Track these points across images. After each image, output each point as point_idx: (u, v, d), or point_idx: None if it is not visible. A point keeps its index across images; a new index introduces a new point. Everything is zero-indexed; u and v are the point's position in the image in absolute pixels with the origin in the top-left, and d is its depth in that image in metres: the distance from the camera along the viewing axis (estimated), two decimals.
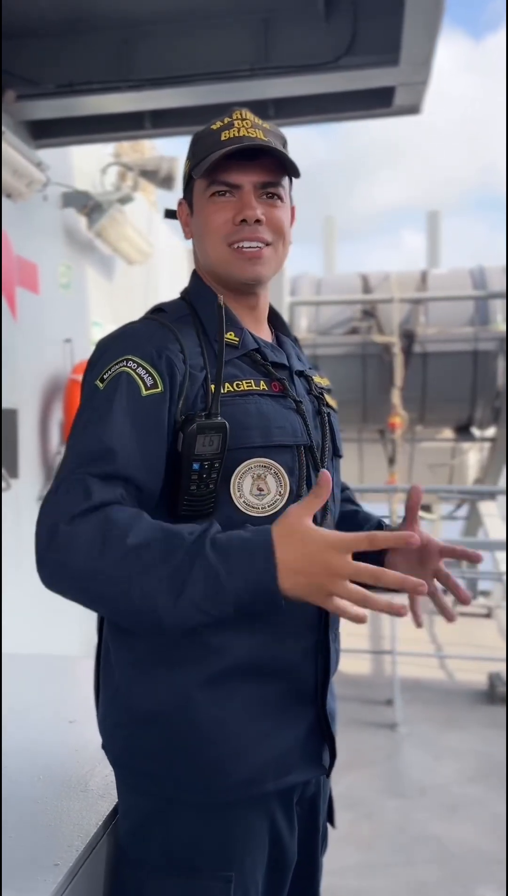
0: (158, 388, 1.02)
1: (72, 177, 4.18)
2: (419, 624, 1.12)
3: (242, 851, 1.04)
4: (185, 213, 1.19)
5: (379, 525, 1.30)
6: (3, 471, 3.34)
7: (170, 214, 1.26)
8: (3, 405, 3.35)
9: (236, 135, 1.11)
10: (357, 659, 5.38)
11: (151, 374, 1.03)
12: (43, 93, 3.24)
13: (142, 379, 1.02)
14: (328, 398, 1.23)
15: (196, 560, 0.90)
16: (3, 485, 3.32)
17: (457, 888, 2.73)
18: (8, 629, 2.97)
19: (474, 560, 1.13)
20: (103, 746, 1.14)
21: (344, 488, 1.38)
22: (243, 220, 1.10)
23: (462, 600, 1.11)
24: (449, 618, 1.12)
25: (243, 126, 1.13)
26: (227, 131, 1.12)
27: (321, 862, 1.25)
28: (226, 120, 1.14)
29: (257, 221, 1.10)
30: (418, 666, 5.32)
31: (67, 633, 3.56)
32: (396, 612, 0.87)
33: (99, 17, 3.13)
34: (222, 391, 1.05)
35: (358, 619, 0.88)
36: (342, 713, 4.39)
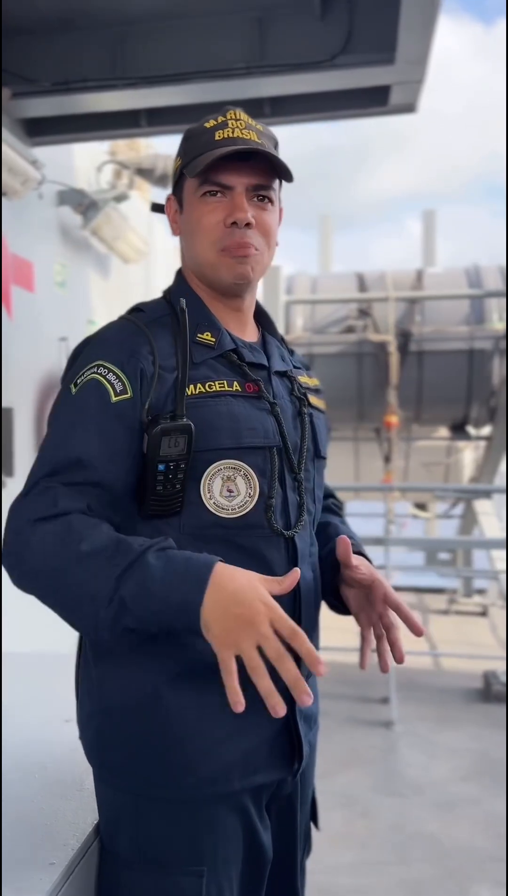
0: (127, 393, 1.04)
1: (67, 175, 4.17)
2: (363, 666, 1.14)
3: (213, 847, 1.05)
4: (173, 210, 1.19)
5: (328, 551, 1.27)
6: None
7: (157, 208, 1.26)
8: None
9: (231, 135, 1.11)
10: (353, 657, 5.39)
11: (120, 380, 1.04)
12: (38, 90, 3.23)
13: (112, 385, 1.04)
14: (313, 399, 1.23)
15: (136, 564, 0.94)
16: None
17: (453, 886, 2.74)
18: (4, 627, 2.96)
19: (415, 632, 1.11)
20: (80, 738, 1.15)
21: (328, 494, 1.38)
22: (234, 223, 1.10)
23: (414, 632, 1.11)
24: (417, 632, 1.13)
25: (238, 126, 1.13)
26: (221, 131, 1.12)
27: (304, 863, 1.24)
28: (220, 119, 1.14)
29: (248, 225, 1.10)
30: (413, 664, 5.33)
31: (62, 631, 3.53)
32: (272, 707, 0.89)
33: (94, 15, 3.12)
34: (193, 392, 1.06)
35: (233, 696, 0.90)
36: (338, 711, 4.36)
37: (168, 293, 1.21)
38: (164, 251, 5.94)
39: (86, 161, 4.45)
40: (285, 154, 1.17)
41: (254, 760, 1.08)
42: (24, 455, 3.64)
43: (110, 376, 1.04)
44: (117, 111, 3.47)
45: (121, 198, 4.29)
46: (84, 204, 4.10)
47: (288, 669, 0.89)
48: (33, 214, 3.79)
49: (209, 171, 1.09)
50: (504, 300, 6.64)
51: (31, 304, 3.72)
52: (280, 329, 1.34)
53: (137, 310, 1.17)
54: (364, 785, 3.55)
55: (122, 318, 1.15)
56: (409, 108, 3.35)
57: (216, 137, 1.11)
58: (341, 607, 1.24)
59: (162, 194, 4.92)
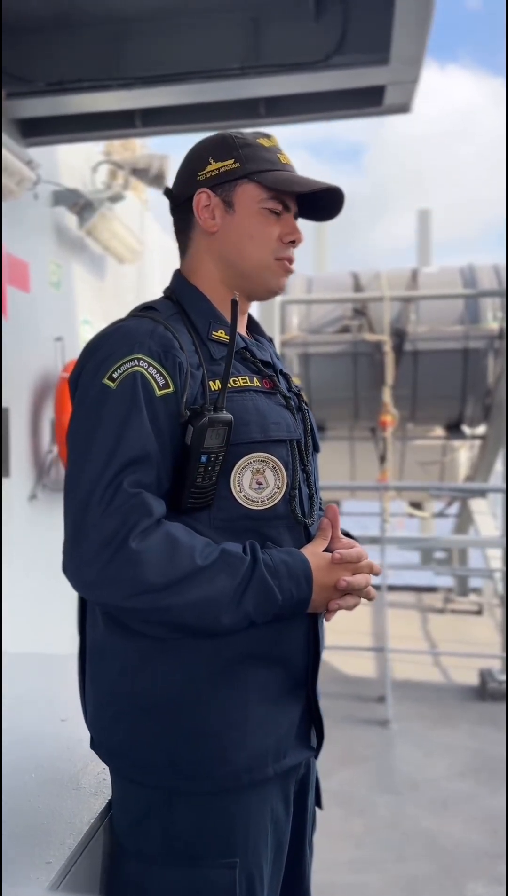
0: (169, 387, 1.06)
1: (62, 175, 4.17)
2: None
3: (245, 837, 1.07)
4: (204, 205, 1.20)
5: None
6: None
7: (171, 195, 1.27)
8: None
9: (288, 162, 1.22)
10: (350, 656, 5.40)
11: (161, 374, 1.06)
12: (33, 91, 3.23)
13: (154, 379, 1.06)
14: (303, 395, 1.29)
15: (253, 578, 1.04)
16: None
17: (448, 883, 2.75)
18: (3, 628, 2.96)
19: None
20: (94, 742, 1.15)
21: None
22: (293, 242, 1.20)
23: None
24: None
25: (285, 155, 1.23)
26: (281, 155, 1.21)
27: (312, 843, 1.28)
28: (267, 143, 1.22)
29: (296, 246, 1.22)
30: (410, 663, 5.34)
31: (58, 631, 3.55)
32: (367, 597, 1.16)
33: (89, 15, 3.12)
34: (218, 388, 1.09)
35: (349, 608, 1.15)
36: (335, 710, 4.38)
37: (171, 292, 1.22)
38: (158, 252, 5.94)
39: (81, 161, 4.45)
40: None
41: (283, 744, 1.11)
42: (21, 455, 3.64)
43: (151, 370, 1.06)
44: (112, 111, 3.47)
45: (116, 198, 4.28)
46: (79, 204, 4.10)
47: (364, 583, 1.14)
48: (28, 215, 3.79)
49: (296, 191, 1.18)
50: (498, 300, 6.65)
51: (27, 305, 3.72)
52: (276, 329, 1.39)
53: (149, 307, 1.18)
54: (361, 783, 3.56)
55: (138, 316, 1.16)
56: (403, 108, 3.35)
57: (281, 160, 1.21)
58: None
59: (158, 194, 4.92)
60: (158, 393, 1.05)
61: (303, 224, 1.25)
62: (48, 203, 4.03)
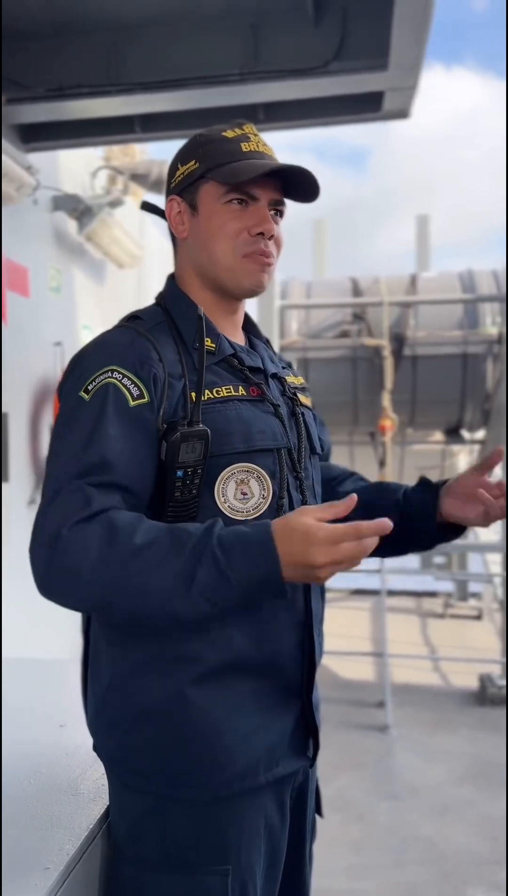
0: (144, 398, 1.04)
1: (62, 180, 4.18)
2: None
3: (237, 845, 1.06)
4: (176, 211, 1.19)
5: (405, 494, 1.35)
6: None
7: (149, 208, 1.26)
8: None
9: (256, 149, 1.14)
10: (349, 661, 5.39)
11: (136, 385, 1.04)
12: (33, 96, 3.24)
13: (128, 389, 1.04)
14: (302, 397, 1.25)
15: (203, 555, 0.93)
16: None
17: (448, 889, 2.74)
18: (3, 633, 2.96)
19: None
20: (95, 747, 1.15)
21: (349, 474, 1.45)
22: (261, 234, 1.13)
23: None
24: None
25: (259, 141, 1.16)
26: (245, 143, 1.14)
27: (312, 851, 1.27)
28: (238, 131, 1.15)
29: (271, 237, 1.14)
30: (409, 668, 5.33)
31: (57, 636, 3.55)
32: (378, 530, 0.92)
33: (89, 21, 3.14)
34: (202, 398, 1.06)
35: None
36: (334, 715, 4.37)
37: (161, 299, 1.21)
38: (157, 257, 5.95)
39: (81, 167, 4.46)
40: (308, 208, 1.22)
41: (276, 753, 1.10)
42: (20, 460, 3.64)
43: (126, 381, 1.04)
44: (112, 117, 3.48)
45: (115, 203, 4.29)
46: (79, 209, 4.11)
47: (367, 548, 0.92)
48: (28, 220, 3.80)
49: (243, 180, 1.10)
50: (497, 305, 6.66)
51: (26, 310, 3.73)
52: (275, 333, 1.36)
53: (135, 317, 1.17)
54: (360, 788, 3.55)
55: (121, 326, 1.15)
56: (402, 113, 3.37)
57: (243, 149, 1.13)
58: (442, 532, 1.30)
59: (157, 199, 4.93)
60: (132, 403, 1.03)
61: (303, 228, 1.23)
62: (48, 208, 4.04)
